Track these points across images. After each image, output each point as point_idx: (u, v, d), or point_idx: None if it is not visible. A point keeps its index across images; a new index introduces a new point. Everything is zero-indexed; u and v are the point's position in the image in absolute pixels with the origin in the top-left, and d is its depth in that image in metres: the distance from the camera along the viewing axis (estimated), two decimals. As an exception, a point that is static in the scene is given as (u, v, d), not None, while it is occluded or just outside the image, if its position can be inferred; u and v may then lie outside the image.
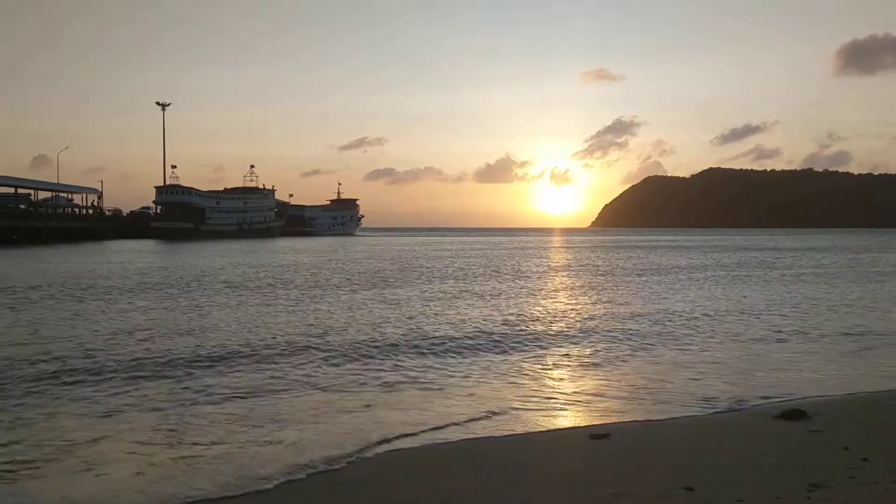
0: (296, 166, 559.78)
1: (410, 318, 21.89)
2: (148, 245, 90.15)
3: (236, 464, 8.54)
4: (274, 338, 17.67)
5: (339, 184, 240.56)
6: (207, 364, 14.41)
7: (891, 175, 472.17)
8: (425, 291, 30.93)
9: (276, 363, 14.65)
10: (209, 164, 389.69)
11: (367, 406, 11.38)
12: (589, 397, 12.19)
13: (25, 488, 7.82)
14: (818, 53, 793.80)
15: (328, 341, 17.27)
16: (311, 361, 14.85)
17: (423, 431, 10.06)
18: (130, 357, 14.97)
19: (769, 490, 7.09)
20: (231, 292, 29.61)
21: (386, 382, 13.08)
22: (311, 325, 20.15)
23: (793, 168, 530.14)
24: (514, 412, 11.15)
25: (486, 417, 10.83)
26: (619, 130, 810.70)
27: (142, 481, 7.96)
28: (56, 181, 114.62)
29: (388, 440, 9.63)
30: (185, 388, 12.43)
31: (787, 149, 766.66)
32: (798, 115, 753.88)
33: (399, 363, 14.85)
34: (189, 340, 17.18)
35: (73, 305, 24.55)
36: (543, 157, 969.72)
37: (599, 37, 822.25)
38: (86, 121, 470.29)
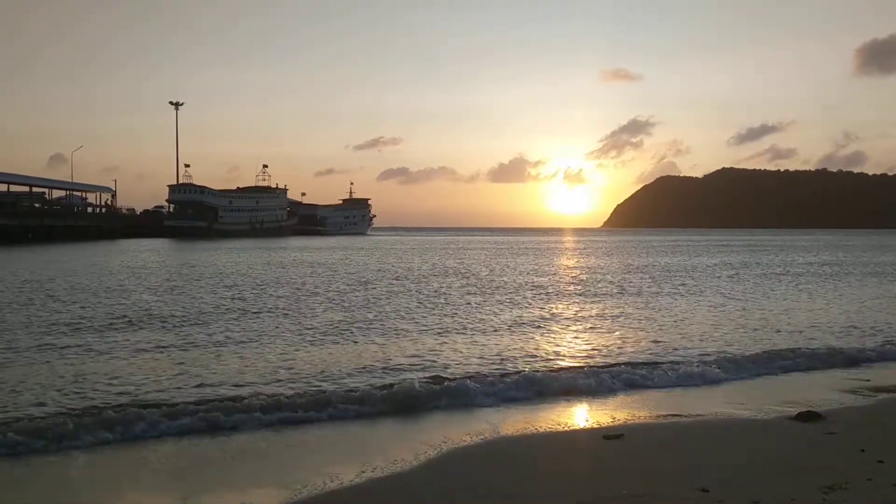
0: (310, 166, 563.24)
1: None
2: (166, 244, 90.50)
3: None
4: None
5: (352, 183, 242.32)
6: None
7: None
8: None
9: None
10: (225, 163, 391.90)
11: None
12: (603, 397, 12.18)
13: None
14: (838, 53, 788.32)
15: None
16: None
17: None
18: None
19: (784, 492, 7.06)
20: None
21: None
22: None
23: (808, 168, 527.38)
24: (525, 411, 11.17)
25: (498, 416, 10.86)
26: (634, 130, 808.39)
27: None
28: (70, 180, 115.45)
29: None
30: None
31: (804, 149, 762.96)
32: (816, 115, 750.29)
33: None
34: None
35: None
36: (557, 156, 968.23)
37: (619, 35, 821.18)
38: (101, 120, 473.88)
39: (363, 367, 14.01)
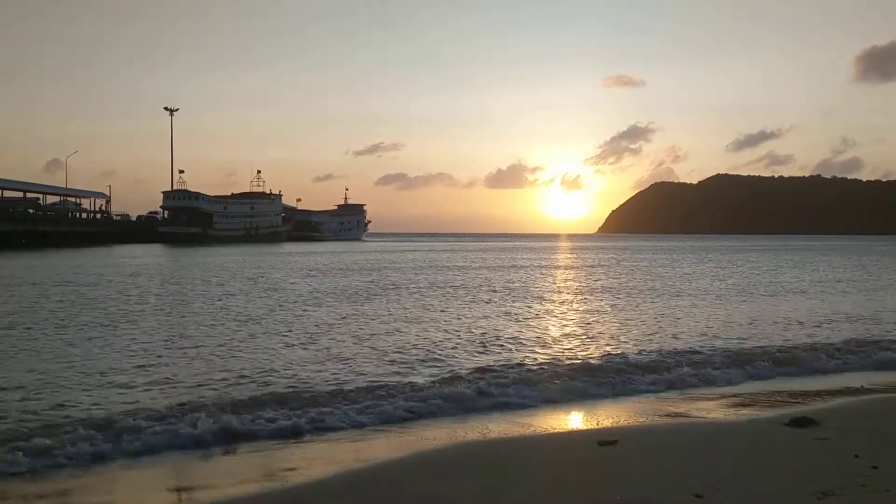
0: (309, 171, 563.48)
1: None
2: (159, 250, 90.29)
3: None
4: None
5: (347, 189, 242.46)
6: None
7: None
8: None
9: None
10: (222, 168, 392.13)
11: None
12: (597, 402, 12.18)
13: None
14: (838, 59, 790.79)
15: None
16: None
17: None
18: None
19: (778, 497, 7.05)
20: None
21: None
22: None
23: (804, 174, 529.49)
24: (519, 415, 11.14)
25: (492, 420, 10.83)
26: (633, 136, 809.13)
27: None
28: (65, 186, 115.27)
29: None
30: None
31: (801, 155, 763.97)
32: (814, 121, 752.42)
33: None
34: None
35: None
36: (555, 162, 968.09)
37: (622, 40, 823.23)
38: (96, 125, 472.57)
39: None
